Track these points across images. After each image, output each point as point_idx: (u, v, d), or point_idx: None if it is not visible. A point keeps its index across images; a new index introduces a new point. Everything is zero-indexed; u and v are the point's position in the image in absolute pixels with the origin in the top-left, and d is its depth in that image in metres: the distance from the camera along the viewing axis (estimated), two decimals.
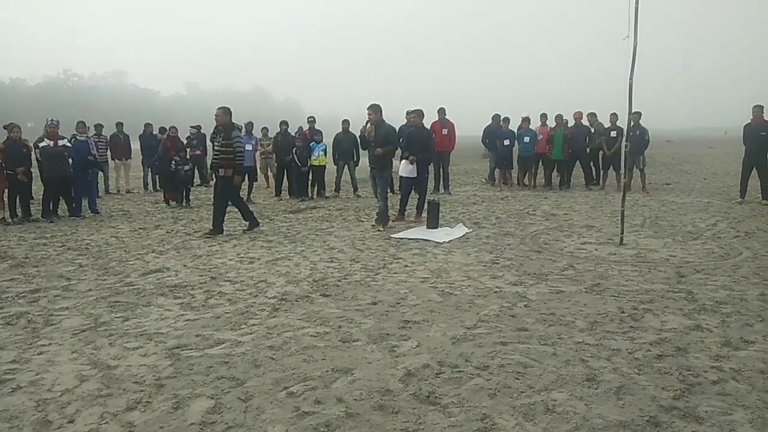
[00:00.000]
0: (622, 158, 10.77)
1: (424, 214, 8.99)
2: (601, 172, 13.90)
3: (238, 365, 3.62)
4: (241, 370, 3.54)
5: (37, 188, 10.85)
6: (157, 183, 14.35)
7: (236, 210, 8.77)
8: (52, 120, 10.09)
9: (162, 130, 14.02)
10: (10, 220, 9.77)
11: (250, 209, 8.97)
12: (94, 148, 11.31)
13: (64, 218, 10.22)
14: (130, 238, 8.22)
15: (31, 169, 9.97)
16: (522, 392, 3.18)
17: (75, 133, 11.08)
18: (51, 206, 10.21)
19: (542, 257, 6.62)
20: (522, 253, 6.82)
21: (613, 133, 13.25)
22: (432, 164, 11.35)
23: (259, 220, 8.93)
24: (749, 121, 11.03)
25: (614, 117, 13.39)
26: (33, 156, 10.10)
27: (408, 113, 12.29)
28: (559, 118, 13.91)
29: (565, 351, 3.77)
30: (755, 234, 7.86)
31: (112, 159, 14.40)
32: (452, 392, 3.18)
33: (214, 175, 8.57)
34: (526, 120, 13.91)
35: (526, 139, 13.74)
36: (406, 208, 9.59)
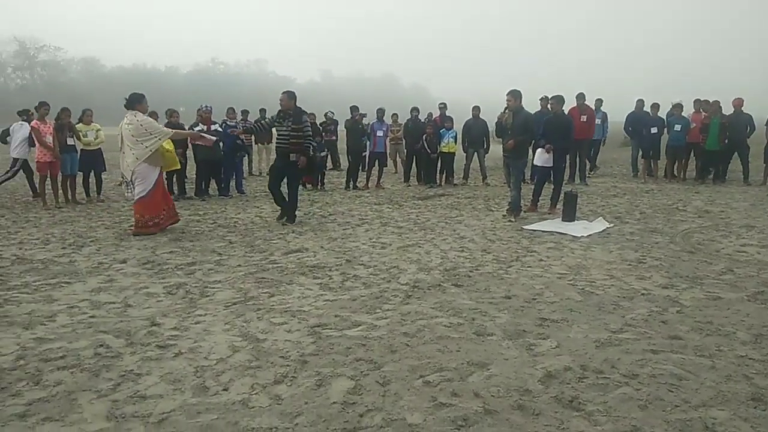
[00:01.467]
0: None
1: (559, 206, 8.61)
2: (765, 165, 12.46)
3: (375, 348, 3.70)
4: (378, 354, 3.61)
5: (191, 168, 11.88)
6: None
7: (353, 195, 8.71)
8: (206, 106, 10.96)
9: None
10: None
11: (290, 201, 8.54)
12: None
13: (215, 197, 11.11)
14: (272, 218, 8.74)
15: (186, 152, 10.93)
16: (677, 406, 2.93)
17: (225, 118, 11.96)
18: (203, 186, 11.16)
19: (696, 258, 6.06)
20: (672, 253, 6.29)
21: None
22: (569, 153, 10.82)
23: (389, 206, 9.01)
24: None
25: None
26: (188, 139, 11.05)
27: (544, 99, 11.85)
28: (715, 104, 12.64)
29: (726, 365, 3.42)
30: None
31: (256, 143, 15.37)
32: (598, 399, 3.01)
33: (289, 157, 8.29)
34: (678, 107, 12.82)
35: (677, 127, 12.64)
36: (540, 198, 9.25)
